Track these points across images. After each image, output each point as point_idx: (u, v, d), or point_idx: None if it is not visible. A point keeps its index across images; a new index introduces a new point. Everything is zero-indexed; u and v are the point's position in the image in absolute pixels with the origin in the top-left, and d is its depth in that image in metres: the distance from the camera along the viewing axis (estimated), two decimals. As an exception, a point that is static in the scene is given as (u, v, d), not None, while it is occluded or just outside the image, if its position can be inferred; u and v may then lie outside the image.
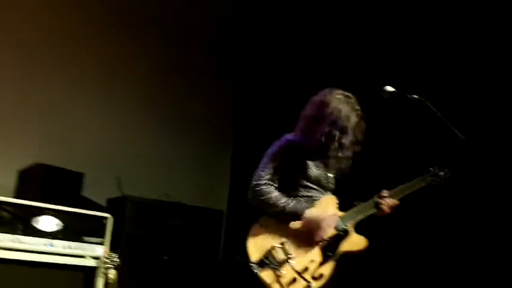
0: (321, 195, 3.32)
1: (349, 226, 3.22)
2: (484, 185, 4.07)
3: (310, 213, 3.18)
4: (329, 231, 3.14)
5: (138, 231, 5.04)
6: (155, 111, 6.12)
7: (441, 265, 4.38)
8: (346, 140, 3.35)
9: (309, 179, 3.31)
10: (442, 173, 3.32)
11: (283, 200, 3.20)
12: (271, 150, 3.37)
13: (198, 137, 6.38)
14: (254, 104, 6.41)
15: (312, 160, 3.34)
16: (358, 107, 3.41)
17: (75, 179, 4.96)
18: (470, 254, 4.19)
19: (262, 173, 3.28)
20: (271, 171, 3.28)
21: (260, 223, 3.22)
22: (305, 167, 3.31)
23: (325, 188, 3.37)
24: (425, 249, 4.44)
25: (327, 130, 3.32)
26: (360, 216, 3.24)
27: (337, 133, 3.33)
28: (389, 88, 3.25)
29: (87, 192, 5.11)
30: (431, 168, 3.35)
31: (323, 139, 3.32)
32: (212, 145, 6.50)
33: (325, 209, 3.23)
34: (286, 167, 3.31)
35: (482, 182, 4.04)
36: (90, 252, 4.42)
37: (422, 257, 4.45)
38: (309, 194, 3.30)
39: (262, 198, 3.21)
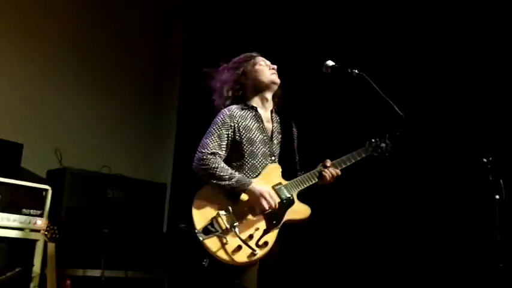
0: (265, 161, 3.34)
1: (293, 195, 3.27)
2: (420, 159, 4.21)
3: (255, 186, 3.17)
4: (272, 203, 3.15)
5: (78, 204, 4.94)
6: (96, 81, 6.02)
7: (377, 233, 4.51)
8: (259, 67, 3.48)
9: (253, 143, 3.34)
10: (383, 145, 3.44)
11: (228, 172, 3.18)
12: (215, 118, 3.39)
13: (140, 107, 6.33)
14: (200, 72, 6.10)
15: (254, 124, 3.39)
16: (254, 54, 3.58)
17: (14, 150, 4.86)
18: (404, 226, 4.34)
19: (208, 140, 3.28)
20: (216, 138, 3.28)
21: (204, 191, 3.20)
22: (249, 132, 3.35)
23: (270, 155, 3.38)
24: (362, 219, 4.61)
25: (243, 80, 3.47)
26: (304, 186, 3.30)
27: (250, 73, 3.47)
28: (330, 62, 3.26)
29: (26, 164, 5.02)
30: (373, 140, 3.46)
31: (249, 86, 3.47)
32: (155, 116, 6.45)
33: (270, 178, 3.28)
34: (231, 133, 3.32)
35: (419, 157, 4.18)
36: (29, 225, 4.38)
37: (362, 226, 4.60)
38: (253, 161, 3.31)
39: (208, 168, 3.18)
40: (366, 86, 3.11)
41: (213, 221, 3.07)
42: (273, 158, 3.38)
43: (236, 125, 3.34)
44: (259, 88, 3.49)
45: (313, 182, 3.33)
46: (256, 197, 3.14)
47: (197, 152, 3.28)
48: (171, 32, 6.81)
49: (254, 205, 3.16)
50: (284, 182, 3.29)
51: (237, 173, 3.21)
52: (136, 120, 6.31)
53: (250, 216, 3.14)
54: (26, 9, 5.59)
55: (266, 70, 3.50)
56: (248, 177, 3.25)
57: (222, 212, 3.10)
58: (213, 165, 3.18)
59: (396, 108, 3.04)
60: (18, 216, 4.36)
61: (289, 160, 3.44)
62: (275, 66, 3.53)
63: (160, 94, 6.57)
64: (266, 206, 3.14)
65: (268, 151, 3.38)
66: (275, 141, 3.44)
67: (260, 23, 5.67)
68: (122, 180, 5.33)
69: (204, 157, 3.21)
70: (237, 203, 3.16)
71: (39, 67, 5.65)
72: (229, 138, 3.31)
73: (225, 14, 6.16)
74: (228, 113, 3.37)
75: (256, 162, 3.32)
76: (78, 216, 4.90)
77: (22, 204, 4.41)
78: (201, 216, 3.09)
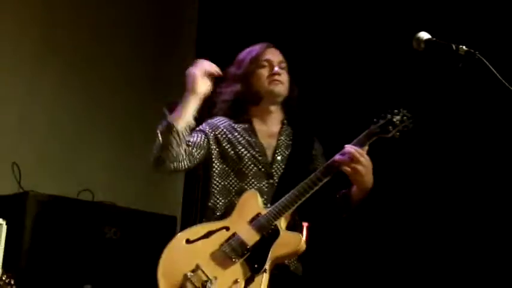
0: (259, 185, 3.53)
1: (279, 223, 3.32)
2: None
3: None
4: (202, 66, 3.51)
5: (47, 246, 4.79)
6: (73, 73, 5.94)
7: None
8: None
9: (241, 160, 3.56)
10: (397, 118, 3.42)
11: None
12: None
13: (140, 109, 6.26)
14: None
15: (243, 138, 3.61)
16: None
17: None
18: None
19: None
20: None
21: (173, 242, 3.46)
22: (235, 146, 3.59)
23: (266, 176, 3.55)
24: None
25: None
26: (294, 204, 3.33)
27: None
28: (425, 35, 3.21)
29: None
30: (383, 115, 3.44)
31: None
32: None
33: (245, 212, 3.39)
34: (204, 139, 3.60)
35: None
36: None
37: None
38: (242, 183, 3.53)
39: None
40: (477, 68, 3.07)
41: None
42: (271, 181, 3.54)
43: (220, 135, 3.62)
44: (256, 98, 3.66)
45: (314, 189, 3.34)
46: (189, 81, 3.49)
47: None
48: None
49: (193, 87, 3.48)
50: (264, 211, 3.34)
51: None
52: (133, 127, 6.21)
53: (225, 265, 3.28)
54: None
55: (264, 75, 3.62)
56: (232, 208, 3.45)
57: (189, 273, 3.26)
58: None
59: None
60: (-42, 261, 4.22)
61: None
62: (277, 70, 3.62)
63: (167, 86, 6.45)
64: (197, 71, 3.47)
65: (264, 172, 3.56)
66: (278, 158, 3.62)
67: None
68: (112, 212, 5.18)
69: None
70: (207, 251, 3.33)
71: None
72: (203, 140, 3.58)
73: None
74: (209, 121, 3.68)
75: (246, 185, 3.53)
76: (47, 263, 4.76)
77: (-36, 244, 4.26)
78: (168, 283, 3.32)
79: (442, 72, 4.01)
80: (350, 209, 3.54)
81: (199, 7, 6.93)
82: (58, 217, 4.91)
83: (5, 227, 4.45)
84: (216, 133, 3.60)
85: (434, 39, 3.22)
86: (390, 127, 3.37)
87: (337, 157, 3.33)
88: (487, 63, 3.06)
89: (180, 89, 6.48)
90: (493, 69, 3.04)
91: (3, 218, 4.47)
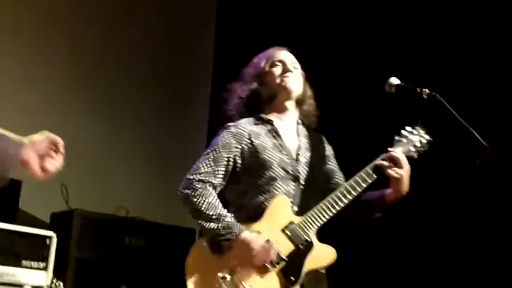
0: (287, 188, 3.28)
1: (311, 235, 3.14)
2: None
3: (246, 236, 3.05)
4: (266, 257, 3.04)
5: (90, 254, 5.10)
6: (110, 104, 6.24)
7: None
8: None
9: (271, 166, 3.29)
10: (415, 138, 3.34)
11: (217, 211, 3.08)
12: (215, 137, 3.37)
13: (165, 136, 6.51)
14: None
15: (270, 141, 3.37)
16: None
17: (12, 188, 4.95)
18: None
19: (199, 164, 3.23)
20: (211, 162, 3.24)
21: (199, 245, 3.19)
22: (263, 152, 3.31)
23: (293, 179, 3.34)
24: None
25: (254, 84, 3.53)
26: (328, 215, 3.16)
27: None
28: (395, 80, 3.38)
29: (25, 205, 5.15)
30: (403, 133, 3.35)
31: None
32: (184, 147, 6.45)
33: (276, 218, 3.18)
34: (233, 158, 3.29)
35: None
36: (30, 280, 4.51)
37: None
38: (272, 188, 3.27)
39: (191, 202, 3.12)
40: (439, 109, 3.24)
41: None
42: (297, 183, 3.32)
43: (246, 146, 3.31)
44: (272, 95, 3.48)
45: (353, 194, 3.19)
46: (244, 250, 3.05)
47: (184, 178, 3.24)
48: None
49: (244, 262, 3.05)
50: (297, 220, 3.15)
51: (229, 215, 3.12)
52: (159, 152, 6.41)
53: (261, 275, 3.06)
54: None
55: (277, 73, 3.47)
56: (261, 212, 3.18)
57: (222, 278, 3.01)
58: (199, 199, 3.13)
59: (479, 137, 3.15)
60: (16, 269, 4.46)
61: (321, 187, 3.37)
62: (289, 68, 3.49)
63: (189, 119, 6.74)
64: (257, 262, 3.04)
65: (291, 175, 3.32)
66: (302, 160, 3.38)
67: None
68: (142, 225, 5.45)
69: (190, 185, 3.16)
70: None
71: (45, 90, 5.91)
72: (231, 164, 3.27)
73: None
74: (233, 130, 3.36)
75: (276, 189, 3.26)
76: (90, 269, 5.06)
77: (21, 254, 4.51)
78: (199, 284, 3.08)
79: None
80: (382, 211, 3.36)
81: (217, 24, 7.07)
82: (99, 230, 5.22)
83: (55, 239, 4.67)
84: (243, 145, 3.31)
85: (402, 84, 3.35)
86: (412, 148, 3.29)
87: (383, 162, 3.20)
88: (445, 103, 3.23)
89: (201, 109, 6.77)
90: (451, 109, 3.21)
91: (54, 232, 4.72)
